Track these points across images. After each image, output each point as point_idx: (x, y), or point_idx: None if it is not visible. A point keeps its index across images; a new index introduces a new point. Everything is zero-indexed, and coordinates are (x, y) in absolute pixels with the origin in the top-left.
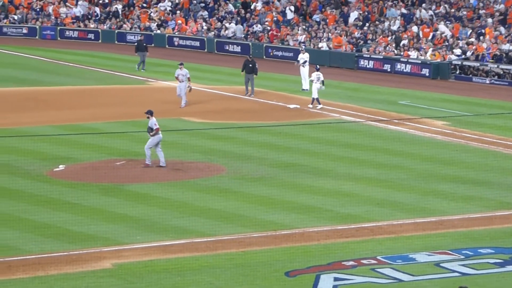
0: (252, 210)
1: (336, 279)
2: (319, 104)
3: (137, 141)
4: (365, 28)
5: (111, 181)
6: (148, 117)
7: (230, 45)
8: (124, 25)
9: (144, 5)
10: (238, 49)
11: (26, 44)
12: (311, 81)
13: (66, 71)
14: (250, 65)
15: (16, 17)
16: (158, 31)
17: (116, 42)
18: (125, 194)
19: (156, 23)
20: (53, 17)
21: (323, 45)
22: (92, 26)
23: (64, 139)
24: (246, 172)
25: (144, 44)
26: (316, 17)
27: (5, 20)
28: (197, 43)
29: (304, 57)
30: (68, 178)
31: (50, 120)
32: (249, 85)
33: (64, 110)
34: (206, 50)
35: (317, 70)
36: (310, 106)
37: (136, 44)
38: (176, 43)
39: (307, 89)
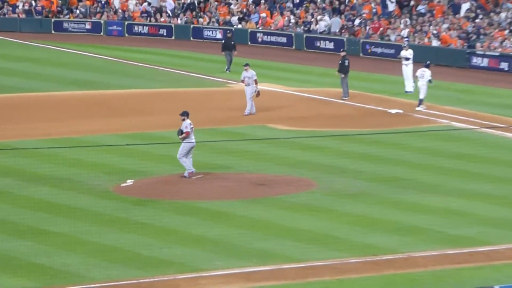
0: (348, 231)
1: None
2: (420, 105)
3: (217, 152)
4: (478, 20)
5: (185, 197)
6: (183, 119)
7: (322, 41)
8: (201, 19)
9: None
10: (330, 45)
11: (89, 42)
12: (416, 79)
13: (135, 72)
14: (340, 62)
15: (78, 11)
16: (239, 26)
17: (191, 38)
18: (202, 213)
19: (237, 17)
20: (120, 11)
21: (434, 42)
22: (164, 20)
23: (132, 150)
24: (340, 187)
25: (233, 42)
26: (421, 8)
27: (68, 16)
28: (284, 39)
29: (406, 54)
30: (137, 194)
31: (117, 128)
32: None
33: (132, 117)
34: (294, 47)
35: (426, 66)
36: (418, 108)
37: (223, 41)
38: (259, 39)
39: (411, 91)
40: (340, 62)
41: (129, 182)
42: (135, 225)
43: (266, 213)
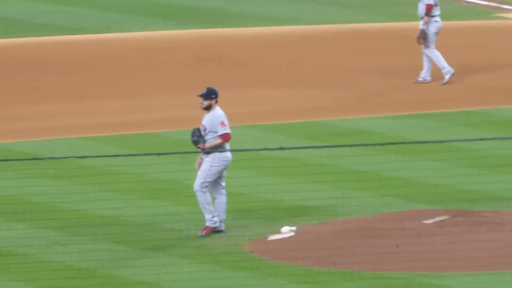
0: None
1: None
2: None
3: (474, 164)
4: None
5: (422, 267)
6: (207, 106)
7: None
8: None
9: None
10: None
11: None
12: None
13: None
14: None
15: None
16: None
17: None
18: None
19: None
20: None
21: None
22: None
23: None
24: None
25: None
26: None
27: None
28: None
29: None
30: (307, 259)
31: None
32: None
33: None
34: None
35: None
36: None
37: None
38: None
39: None
40: None
41: (286, 231)
42: None
43: None
